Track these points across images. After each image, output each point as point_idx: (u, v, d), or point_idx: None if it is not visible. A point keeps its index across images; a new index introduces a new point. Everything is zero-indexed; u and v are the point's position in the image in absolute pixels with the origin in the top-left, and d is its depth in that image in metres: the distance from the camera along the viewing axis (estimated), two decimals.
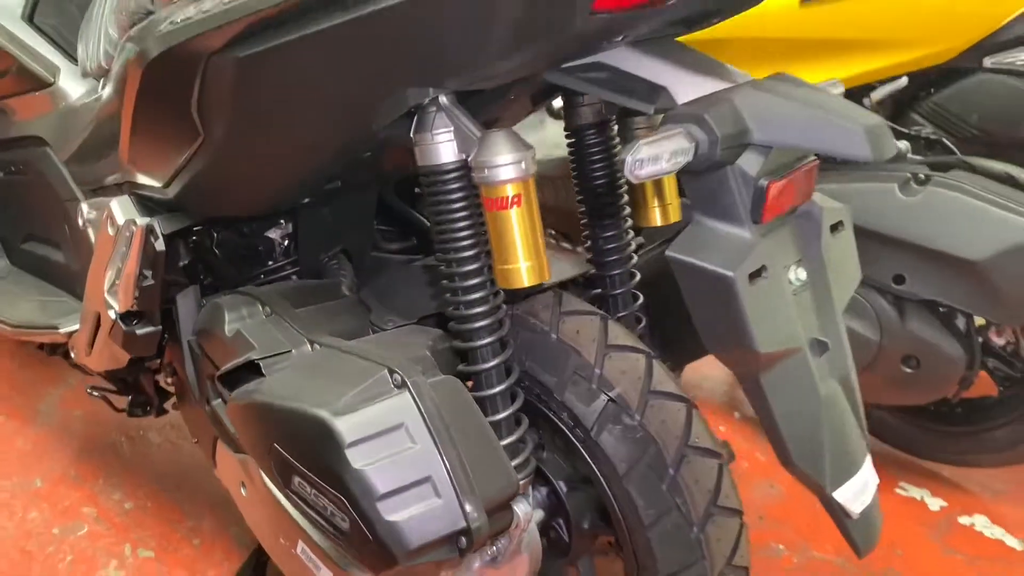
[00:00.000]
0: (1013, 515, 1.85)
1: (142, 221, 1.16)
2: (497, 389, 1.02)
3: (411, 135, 0.96)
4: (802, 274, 0.89)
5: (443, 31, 0.84)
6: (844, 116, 0.81)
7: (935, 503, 1.89)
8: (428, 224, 1.15)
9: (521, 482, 1.04)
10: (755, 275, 0.83)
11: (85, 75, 1.46)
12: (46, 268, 1.73)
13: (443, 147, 0.95)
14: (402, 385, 0.94)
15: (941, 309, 1.67)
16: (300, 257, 1.34)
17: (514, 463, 1.03)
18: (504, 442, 1.02)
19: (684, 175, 0.85)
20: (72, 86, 1.52)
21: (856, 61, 1.62)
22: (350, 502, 0.91)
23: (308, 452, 0.95)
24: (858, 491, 0.91)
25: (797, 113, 0.82)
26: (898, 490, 1.93)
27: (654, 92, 0.89)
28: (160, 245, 1.17)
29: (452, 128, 0.94)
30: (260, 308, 1.18)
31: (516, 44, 0.83)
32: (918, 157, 1.91)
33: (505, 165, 0.90)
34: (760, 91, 0.84)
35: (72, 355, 1.50)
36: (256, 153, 1.05)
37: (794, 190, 0.87)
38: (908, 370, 1.70)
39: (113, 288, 1.24)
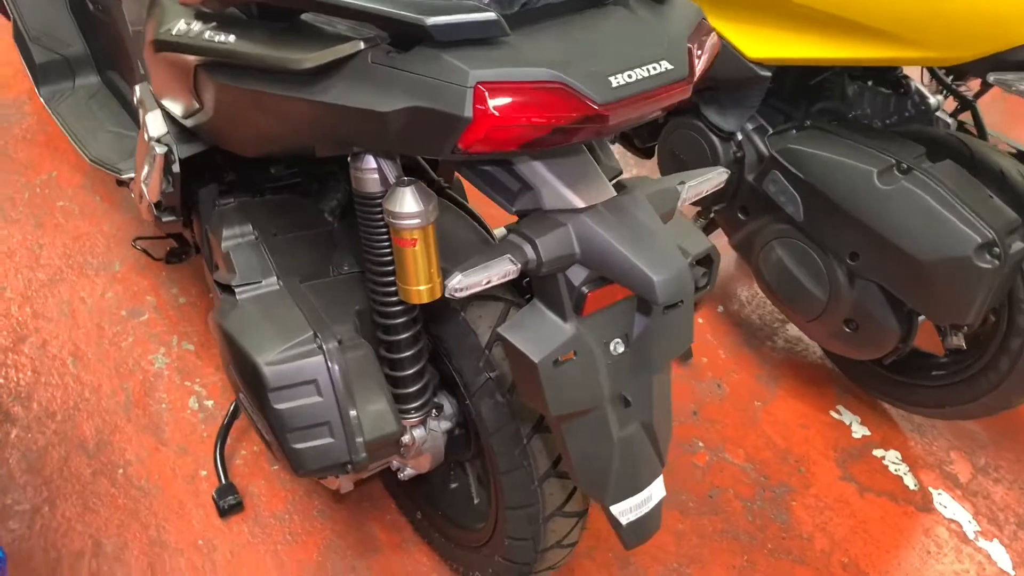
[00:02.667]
0: (924, 458, 2.07)
1: (161, 149, 1.42)
2: (404, 355, 1.30)
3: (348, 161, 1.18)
4: (620, 347, 1.11)
5: (344, 128, 1.03)
6: (650, 263, 0.99)
7: (860, 431, 2.12)
8: None
9: (416, 418, 1.36)
10: (562, 361, 1.06)
11: None
12: (121, 99, 2.02)
13: (369, 180, 1.16)
14: (319, 350, 1.23)
15: None
16: (300, 173, 1.60)
17: (414, 405, 1.34)
18: (407, 391, 1.33)
19: None
20: None
21: (869, 47, 1.63)
22: (270, 428, 1.25)
23: (247, 382, 1.27)
24: (635, 505, 1.18)
25: (614, 252, 1.00)
26: (832, 412, 2.16)
27: (521, 193, 1.07)
28: (176, 168, 1.44)
29: (376, 167, 1.15)
30: (251, 229, 1.46)
31: (402, 147, 1.01)
32: (945, 118, 1.94)
33: (407, 217, 1.11)
34: (596, 222, 1.02)
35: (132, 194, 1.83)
36: (237, 130, 1.28)
37: (611, 295, 1.07)
38: (847, 330, 1.88)
39: (146, 180, 1.53)
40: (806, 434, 2.10)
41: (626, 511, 1.18)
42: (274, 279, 1.37)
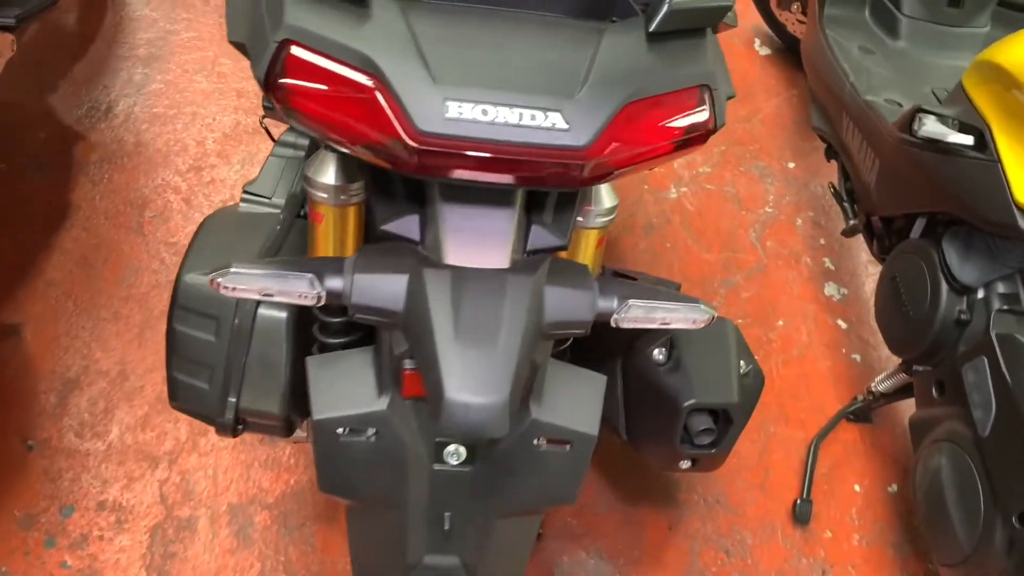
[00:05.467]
0: None
1: None
2: (328, 340, 1.11)
3: None
4: (458, 459, 0.83)
5: None
6: (455, 372, 0.69)
7: None
8: None
9: None
10: (354, 431, 0.80)
11: None
12: None
13: None
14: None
15: None
16: None
17: None
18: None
19: None
20: None
21: None
22: (166, 343, 1.14)
23: (173, 285, 1.16)
24: None
25: (428, 335, 0.71)
26: None
27: (401, 213, 0.81)
28: None
29: None
30: (302, 147, 1.34)
31: None
32: None
33: (319, 189, 0.91)
34: (435, 287, 0.73)
35: None
36: None
37: None
38: None
39: None
40: None
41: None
42: (281, 202, 1.24)
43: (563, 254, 0.96)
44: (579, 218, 0.92)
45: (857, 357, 2.07)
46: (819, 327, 2.13)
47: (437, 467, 0.84)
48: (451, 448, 0.83)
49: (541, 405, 0.83)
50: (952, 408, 1.43)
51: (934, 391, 1.51)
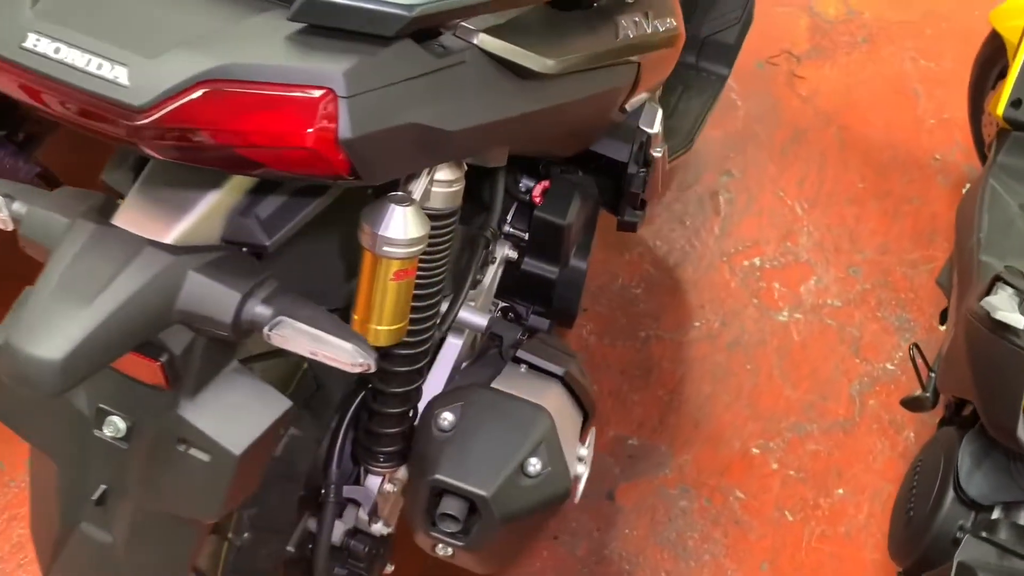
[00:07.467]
0: None
1: None
2: None
3: None
4: (115, 431, 0.81)
5: None
6: (23, 316, 0.70)
7: None
8: None
9: None
10: None
11: None
12: None
13: None
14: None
15: None
16: None
17: None
18: None
19: None
20: None
21: None
22: None
23: None
24: None
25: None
26: None
27: (124, 163, 0.81)
28: None
29: None
30: None
31: None
32: None
33: None
34: (70, 239, 0.72)
35: None
36: None
37: None
38: None
39: None
40: None
41: None
42: None
43: (364, 281, 0.89)
44: (371, 243, 0.85)
45: None
46: (887, 512, 1.79)
47: (96, 434, 0.81)
48: (112, 419, 0.80)
49: (193, 403, 0.79)
50: None
51: None
